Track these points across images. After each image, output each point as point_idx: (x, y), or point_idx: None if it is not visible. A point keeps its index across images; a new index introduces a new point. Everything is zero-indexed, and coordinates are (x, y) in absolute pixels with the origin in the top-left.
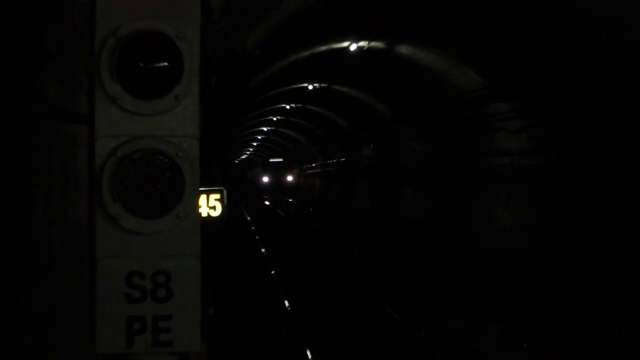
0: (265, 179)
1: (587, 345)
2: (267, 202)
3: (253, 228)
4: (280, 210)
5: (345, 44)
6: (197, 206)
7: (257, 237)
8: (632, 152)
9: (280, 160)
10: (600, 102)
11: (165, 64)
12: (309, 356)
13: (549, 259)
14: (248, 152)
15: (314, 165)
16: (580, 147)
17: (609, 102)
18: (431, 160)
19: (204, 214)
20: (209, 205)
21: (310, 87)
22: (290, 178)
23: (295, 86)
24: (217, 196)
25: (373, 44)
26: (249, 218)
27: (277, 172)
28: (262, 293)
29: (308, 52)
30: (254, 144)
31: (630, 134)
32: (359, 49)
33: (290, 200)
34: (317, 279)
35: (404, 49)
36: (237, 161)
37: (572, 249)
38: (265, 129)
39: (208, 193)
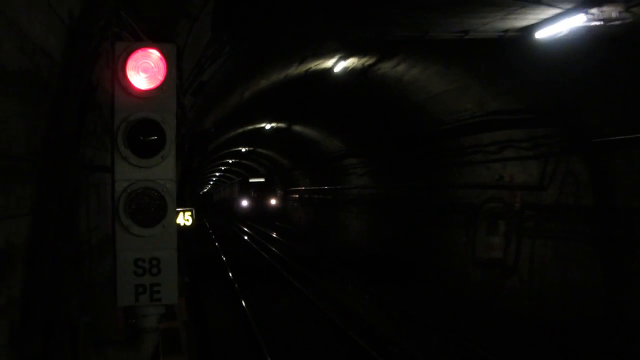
0: (245, 203)
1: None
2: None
3: None
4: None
5: (264, 124)
6: (175, 220)
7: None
8: (428, 186)
9: (262, 180)
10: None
11: (155, 137)
12: None
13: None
14: (208, 186)
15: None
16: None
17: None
18: (316, 192)
19: (181, 224)
20: (184, 219)
21: (243, 149)
22: (273, 202)
23: (234, 149)
24: (189, 213)
25: (279, 124)
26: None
27: (259, 194)
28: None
29: (241, 130)
30: (212, 181)
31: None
32: (272, 127)
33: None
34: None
35: (297, 127)
36: (201, 193)
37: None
38: (217, 173)
39: (184, 211)
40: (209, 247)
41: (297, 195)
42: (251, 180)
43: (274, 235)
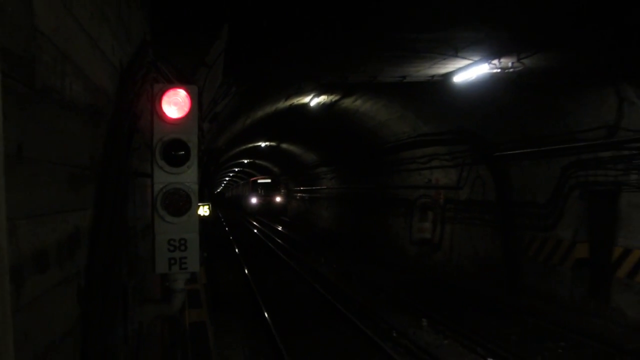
0: (254, 201)
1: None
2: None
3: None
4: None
5: (260, 143)
6: (197, 211)
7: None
8: (378, 187)
9: (269, 180)
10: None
11: (183, 152)
12: None
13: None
14: (221, 187)
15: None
16: (356, 184)
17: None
18: (299, 192)
19: (201, 215)
20: (204, 211)
21: (245, 161)
22: (278, 199)
23: (239, 161)
24: (207, 206)
25: (271, 143)
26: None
27: (266, 192)
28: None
29: (243, 147)
30: (223, 183)
31: (377, 179)
32: (266, 145)
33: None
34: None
35: (284, 145)
36: (216, 192)
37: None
38: (227, 178)
39: (203, 205)
40: (221, 232)
41: (290, 194)
42: (259, 180)
43: (271, 225)
